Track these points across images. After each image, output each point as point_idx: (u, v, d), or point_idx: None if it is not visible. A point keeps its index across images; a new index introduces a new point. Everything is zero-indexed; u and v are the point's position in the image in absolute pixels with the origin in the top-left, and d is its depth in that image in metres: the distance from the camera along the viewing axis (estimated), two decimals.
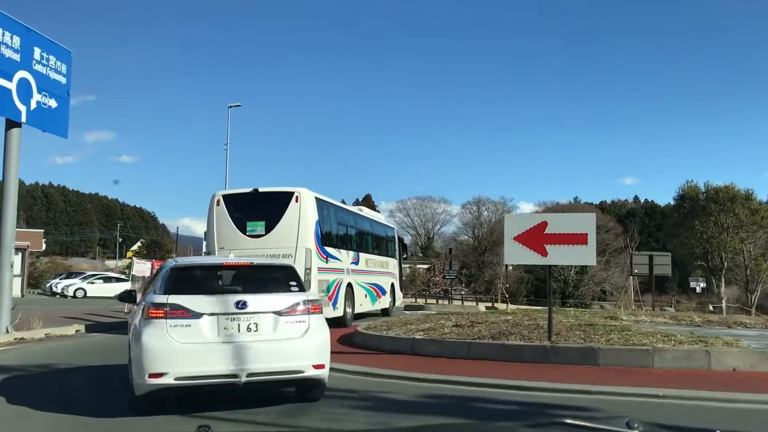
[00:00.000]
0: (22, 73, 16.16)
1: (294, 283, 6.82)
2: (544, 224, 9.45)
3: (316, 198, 15.86)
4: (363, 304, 19.29)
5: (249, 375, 6.01)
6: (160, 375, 5.86)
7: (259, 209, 15.25)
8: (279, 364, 6.18)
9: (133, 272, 21.05)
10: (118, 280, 39.76)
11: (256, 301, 6.33)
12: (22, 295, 38.85)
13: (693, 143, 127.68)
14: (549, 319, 9.84)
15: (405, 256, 29.17)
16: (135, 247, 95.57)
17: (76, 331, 16.64)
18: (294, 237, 14.94)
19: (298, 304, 6.46)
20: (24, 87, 16.24)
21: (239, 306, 6.22)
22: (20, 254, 39.60)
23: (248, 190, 15.61)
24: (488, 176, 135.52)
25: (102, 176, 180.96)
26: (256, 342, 6.14)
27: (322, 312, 6.80)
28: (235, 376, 5.99)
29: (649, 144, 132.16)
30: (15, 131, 16.28)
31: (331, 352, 6.80)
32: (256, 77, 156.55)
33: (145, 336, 6.02)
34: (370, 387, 8.07)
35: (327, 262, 16.14)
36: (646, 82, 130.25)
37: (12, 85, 15.86)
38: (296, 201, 14.92)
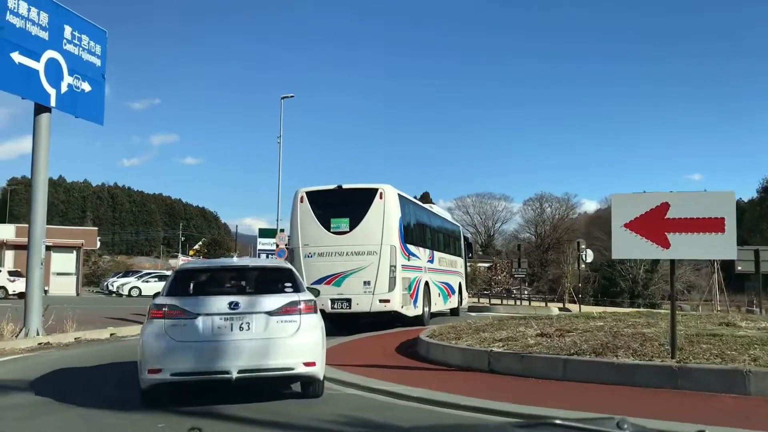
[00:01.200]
0: (50, 53, 14.79)
1: (289, 285, 7.07)
2: (665, 206, 7.18)
3: (398, 195, 15.78)
4: (437, 303, 18.81)
5: (240, 371, 6.32)
6: (158, 371, 6.27)
7: (343, 206, 15.30)
8: (269, 361, 6.45)
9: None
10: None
11: (248, 301, 6.64)
12: (77, 294, 38.46)
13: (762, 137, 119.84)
14: (672, 329, 7.48)
15: (470, 255, 27.78)
16: (197, 246, 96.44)
17: (111, 334, 15.18)
18: (378, 234, 14.94)
19: (289, 304, 6.68)
20: (53, 68, 14.87)
21: (232, 306, 6.50)
22: (74, 252, 39.28)
23: (332, 186, 15.57)
24: (550, 172, 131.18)
25: (166, 177, 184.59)
26: (248, 340, 6.43)
27: (316, 312, 6.95)
28: (227, 372, 6.30)
29: (717, 139, 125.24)
30: (44, 117, 14.93)
31: (386, 366, 7.09)
32: (312, 72, 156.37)
33: (146, 335, 6.52)
34: (432, 420, 6.00)
35: (409, 260, 16.03)
36: (712, 80, 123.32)
37: (39, 66, 14.49)
38: (380, 198, 14.93)
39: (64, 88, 15.20)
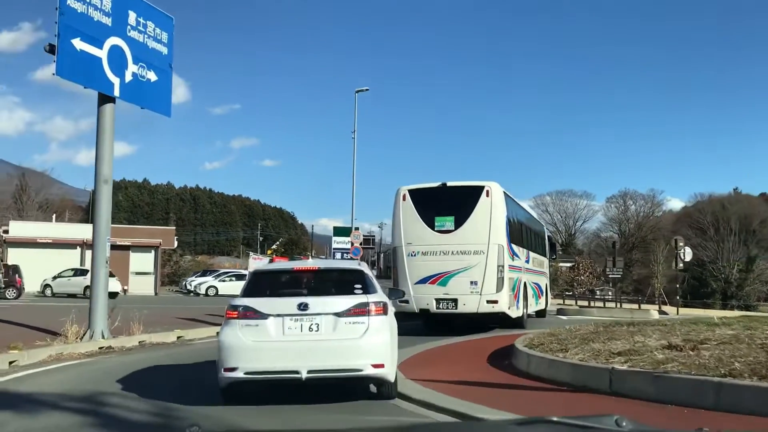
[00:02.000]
0: (114, 40, 14.01)
1: (359, 286, 7.08)
2: None
3: (503, 192, 15.47)
4: (531, 304, 18.27)
5: (309, 372, 6.41)
6: (233, 369, 6.46)
7: (448, 204, 15.06)
8: (338, 362, 6.52)
9: (249, 269, 18.67)
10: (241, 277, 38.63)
11: (317, 303, 6.68)
12: (155, 293, 38.60)
13: None
14: None
15: (554, 256, 26.42)
16: (274, 246, 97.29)
17: (178, 337, 14.27)
18: (485, 233, 14.60)
19: (358, 306, 6.71)
20: (117, 56, 14.08)
21: (301, 308, 6.60)
22: (152, 252, 39.46)
23: (436, 184, 15.40)
24: (634, 168, 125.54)
25: (246, 179, 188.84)
26: (317, 341, 6.55)
27: (386, 313, 6.89)
28: (296, 372, 6.40)
29: None
30: (108, 107, 14.18)
31: (477, 383, 7.03)
32: (385, 68, 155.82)
33: (223, 334, 6.72)
34: None
35: (513, 259, 15.72)
36: None
37: (102, 53, 13.73)
38: (487, 195, 14.65)
39: (128, 77, 14.41)
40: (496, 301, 14.41)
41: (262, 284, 7.35)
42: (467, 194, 15.03)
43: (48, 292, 33.20)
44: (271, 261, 21.42)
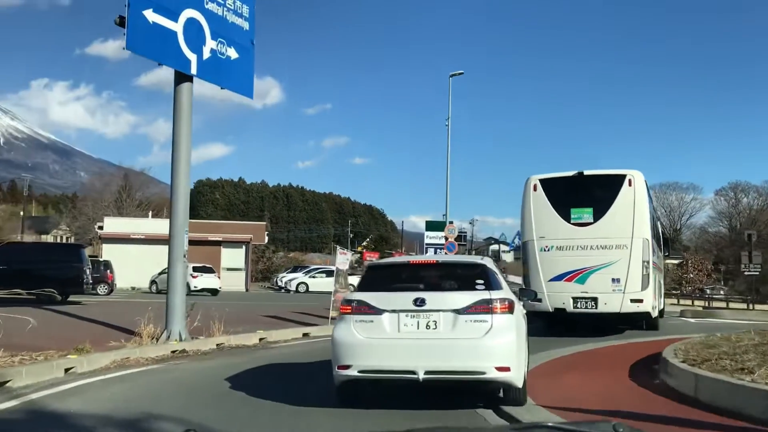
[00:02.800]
0: (190, 13, 12.77)
1: (481, 282, 6.53)
2: None
3: (645, 182, 14.60)
4: (660, 304, 17.31)
5: (427, 372, 6.05)
6: (347, 367, 6.19)
7: (585, 194, 14.20)
8: (458, 363, 6.13)
9: (336, 264, 17.20)
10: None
11: (435, 298, 6.32)
12: (246, 290, 38.14)
13: None
14: None
15: (667, 253, 23.95)
16: (365, 243, 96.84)
17: (260, 339, 12.89)
18: (628, 226, 13.64)
19: (480, 302, 6.25)
20: (193, 30, 12.84)
21: (418, 303, 6.24)
22: (243, 247, 39.01)
23: (571, 173, 14.61)
24: (745, 160, 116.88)
25: (336, 177, 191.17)
26: (434, 340, 6.19)
27: (512, 312, 6.34)
28: (413, 372, 6.06)
29: None
30: (185, 86, 12.97)
31: (629, 413, 5.68)
32: (477, 57, 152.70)
33: (336, 330, 6.46)
34: None
35: (655, 255, 15.12)
36: None
37: (177, 27, 12.50)
38: (629, 185, 13.75)
39: (206, 54, 13.15)
40: (641, 300, 13.34)
41: (377, 278, 6.94)
42: (607, 183, 14.14)
43: (154, 288, 33.12)
44: (362, 257, 19.88)
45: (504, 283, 6.74)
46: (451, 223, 29.95)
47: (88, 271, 21.50)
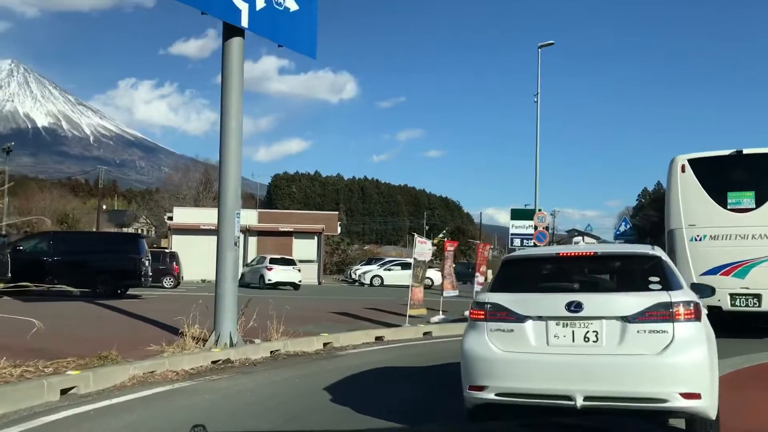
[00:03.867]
0: None
1: (656, 279, 5.16)
2: None
3: None
4: None
5: (587, 399, 4.77)
6: (480, 388, 5.10)
7: (745, 176, 12.87)
8: (628, 387, 4.78)
9: (414, 255, 14.82)
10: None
11: (594, 302, 5.03)
12: (319, 282, 36.32)
13: None
14: None
15: None
16: (441, 235, 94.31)
17: (325, 344, 10.64)
18: None
19: (656, 306, 4.86)
20: None
21: (572, 308, 4.97)
22: (315, 238, 37.20)
23: (727, 152, 13.15)
24: None
25: (411, 170, 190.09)
26: (596, 356, 4.88)
27: (699, 319, 4.95)
28: (568, 398, 4.81)
29: None
30: (235, 42, 10.86)
31: None
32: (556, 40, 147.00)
33: (466, 341, 5.34)
34: None
35: None
36: None
37: None
38: None
39: (260, 4, 10.96)
40: None
41: (516, 275, 5.67)
42: None
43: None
44: (444, 247, 17.38)
45: (683, 281, 5.28)
46: (540, 210, 27.00)
47: (147, 263, 19.92)
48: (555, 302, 5.06)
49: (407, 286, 14.85)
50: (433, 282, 30.19)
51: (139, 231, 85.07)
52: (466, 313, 17.73)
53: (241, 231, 36.22)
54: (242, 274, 31.72)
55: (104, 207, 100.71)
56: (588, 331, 4.97)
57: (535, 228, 26.02)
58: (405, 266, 37.68)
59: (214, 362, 8.57)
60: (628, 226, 19.17)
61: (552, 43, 26.79)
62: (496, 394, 5.05)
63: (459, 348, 5.33)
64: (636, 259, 5.75)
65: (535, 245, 27.04)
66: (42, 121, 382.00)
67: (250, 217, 37.96)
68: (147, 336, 10.28)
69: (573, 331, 5.01)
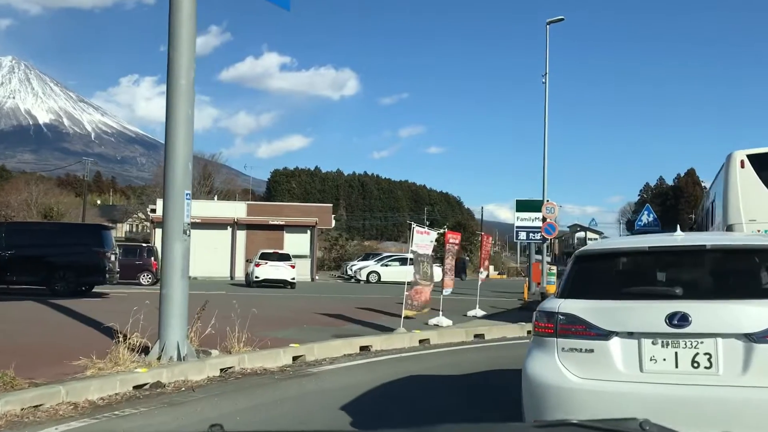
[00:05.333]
0: None
1: None
2: None
3: None
4: None
5: None
6: None
7: None
8: None
9: (413, 247, 12.71)
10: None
11: (705, 313, 3.79)
12: (312, 279, 34.17)
13: None
14: None
15: None
16: (442, 230, 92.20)
17: (294, 358, 8.49)
18: None
19: None
20: None
21: (675, 321, 3.77)
22: (308, 232, 35.02)
23: None
24: None
25: (412, 166, 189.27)
26: (711, 388, 3.68)
27: None
28: None
29: None
30: None
31: None
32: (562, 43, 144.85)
33: (531, 362, 4.15)
34: None
35: None
36: None
37: None
38: None
39: None
40: None
41: (595, 276, 4.29)
42: None
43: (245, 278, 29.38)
44: (445, 239, 15.29)
45: None
46: (548, 201, 24.82)
47: (113, 257, 17.78)
48: (650, 313, 3.90)
49: (405, 283, 12.75)
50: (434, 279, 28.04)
51: (132, 227, 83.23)
52: (470, 312, 15.67)
53: (229, 225, 34.03)
54: (247, 273, 29.62)
55: (98, 202, 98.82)
56: (698, 354, 3.81)
57: (544, 220, 23.89)
58: (403, 261, 35.47)
59: (137, 387, 6.44)
60: (652, 216, 16.98)
61: (562, 19, 24.60)
62: None
63: (468, 362, 3.86)
64: (755, 254, 4.23)
65: (543, 239, 24.96)
66: (43, 117, 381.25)
67: (238, 209, 35.81)
68: (83, 345, 8.25)
69: (676, 353, 3.87)
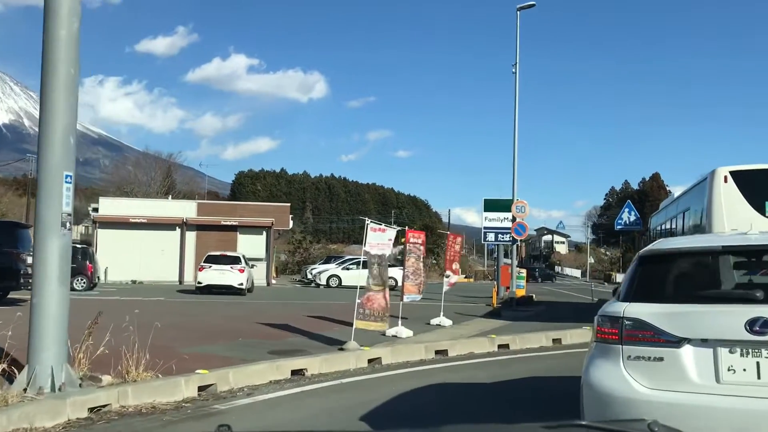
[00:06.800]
0: None
1: None
2: None
3: None
4: None
5: None
6: None
7: None
8: None
9: (365, 247, 10.90)
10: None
11: None
12: (268, 284, 32.05)
13: None
14: None
15: None
16: (400, 228, 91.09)
17: (201, 389, 6.56)
18: None
19: None
20: None
21: (757, 328, 3.50)
22: (264, 233, 32.90)
23: (766, 166, 13.94)
24: None
25: (380, 169, 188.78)
26: None
27: None
28: None
29: None
30: None
31: None
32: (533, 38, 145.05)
33: (592, 371, 3.92)
34: None
35: None
36: None
37: None
38: None
39: None
40: None
41: (662, 278, 4.04)
42: None
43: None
44: (406, 238, 13.55)
45: None
46: (518, 200, 23.20)
47: (29, 260, 15.54)
48: (728, 318, 3.57)
49: (358, 288, 10.91)
50: (396, 282, 26.03)
51: (88, 229, 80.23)
52: (434, 320, 13.92)
53: (177, 225, 31.29)
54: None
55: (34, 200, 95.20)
56: None
57: (514, 219, 22.29)
58: (366, 265, 33.62)
59: None
60: (634, 214, 15.60)
61: (533, 5, 23.07)
62: None
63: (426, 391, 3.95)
64: None
65: (513, 240, 23.32)
66: (3, 118, 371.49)
67: (188, 208, 33.47)
68: None
69: (758, 363, 3.52)
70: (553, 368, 8.84)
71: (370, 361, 8.62)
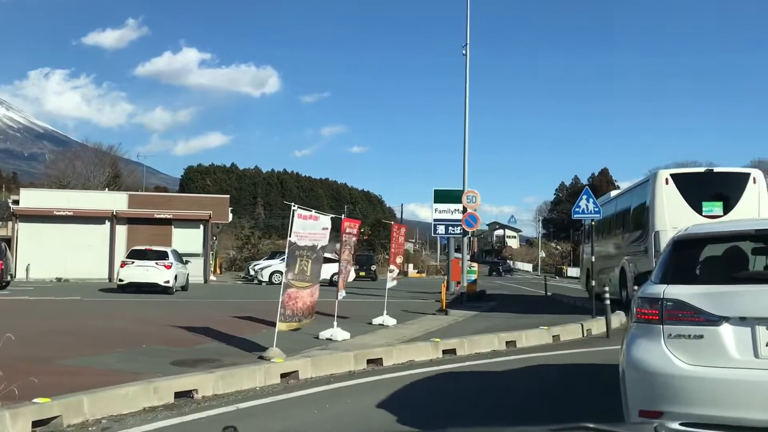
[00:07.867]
0: None
1: None
2: None
3: None
4: None
5: None
6: (657, 414, 3.82)
7: (715, 189, 15.16)
8: None
9: (290, 237, 9.25)
10: (327, 260, 29.11)
11: None
12: (206, 281, 30.06)
13: None
14: None
15: None
16: (334, 215, 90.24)
17: (41, 424, 4.88)
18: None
19: None
20: None
21: None
22: (201, 227, 30.88)
23: (701, 170, 16.80)
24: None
25: (334, 165, 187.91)
26: None
27: None
28: None
29: None
30: None
31: None
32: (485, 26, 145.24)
33: (633, 349, 4.06)
34: None
35: None
36: None
37: None
38: (754, 183, 14.89)
39: None
40: None
41: (697, 261, 4.27)
42: (734, 180, 15.11)
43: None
44: (342, 227, 11.98)
45: None
46: (470, 190, 21.91)
47: None
48: (765, 297, 3.79)
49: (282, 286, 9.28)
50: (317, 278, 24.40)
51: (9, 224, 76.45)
52: (376, 320, 12.31)
53: (107, 218, 28.93)
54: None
55: None
56: None
57: (464, 210, 20.98)
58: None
59: None
60: (592, 202, 14.49)
61: None
62: (682, 424, 3.19)
63: (349, 416, 4.14)
64: None
65: (464, 231, 22.03)
66: None
67: (118, 200, 31.05)
68: None
69: None
70: (510, 386, 7.42)
71: (283, 376, 7.00)
